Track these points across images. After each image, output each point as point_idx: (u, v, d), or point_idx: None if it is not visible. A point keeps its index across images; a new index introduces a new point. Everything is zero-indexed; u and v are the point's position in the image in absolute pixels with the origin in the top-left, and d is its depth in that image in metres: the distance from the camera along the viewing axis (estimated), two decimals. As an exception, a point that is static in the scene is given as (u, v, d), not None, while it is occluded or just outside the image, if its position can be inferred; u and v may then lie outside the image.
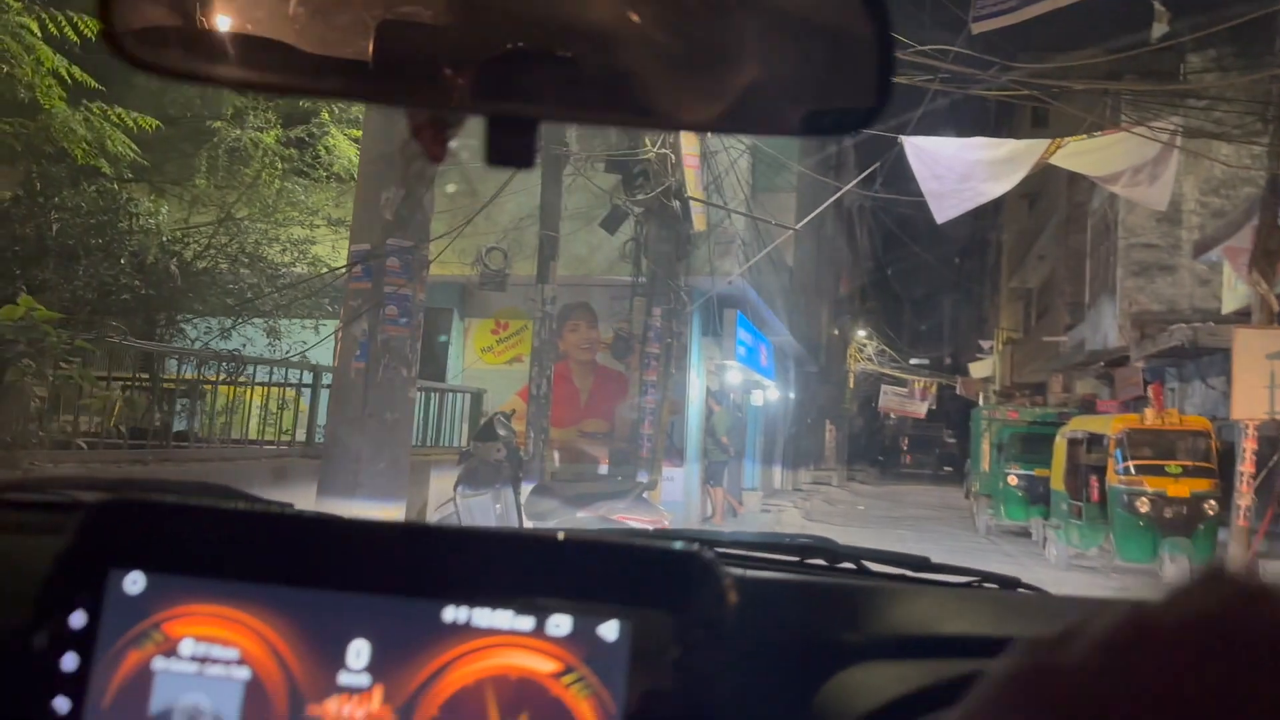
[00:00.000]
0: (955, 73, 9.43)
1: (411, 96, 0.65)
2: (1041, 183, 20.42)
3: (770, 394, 18.67)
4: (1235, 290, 13.14)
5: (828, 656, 0.88)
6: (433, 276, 5.98)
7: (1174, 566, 10.83)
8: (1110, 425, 11.78)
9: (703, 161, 9.56)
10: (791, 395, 22.62)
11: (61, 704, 0.78)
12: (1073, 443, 13.19)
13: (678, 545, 0.81)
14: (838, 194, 11.22)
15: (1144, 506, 10.96)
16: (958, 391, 38.86)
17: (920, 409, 35.33)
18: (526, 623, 0.77)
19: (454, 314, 12.90)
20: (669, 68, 0.64)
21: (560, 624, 0.76)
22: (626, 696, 0.74)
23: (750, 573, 1.02)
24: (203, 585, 0.80)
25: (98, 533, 0.83)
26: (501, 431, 7.25)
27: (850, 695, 0.85)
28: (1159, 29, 10.65)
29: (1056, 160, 10.52)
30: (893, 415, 41.90)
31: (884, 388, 35.29)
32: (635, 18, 0.62)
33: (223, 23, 0.63)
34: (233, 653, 0.78)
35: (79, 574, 0.81)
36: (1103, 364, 19.89)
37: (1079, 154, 10.61)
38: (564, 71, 0.61)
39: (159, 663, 0.78)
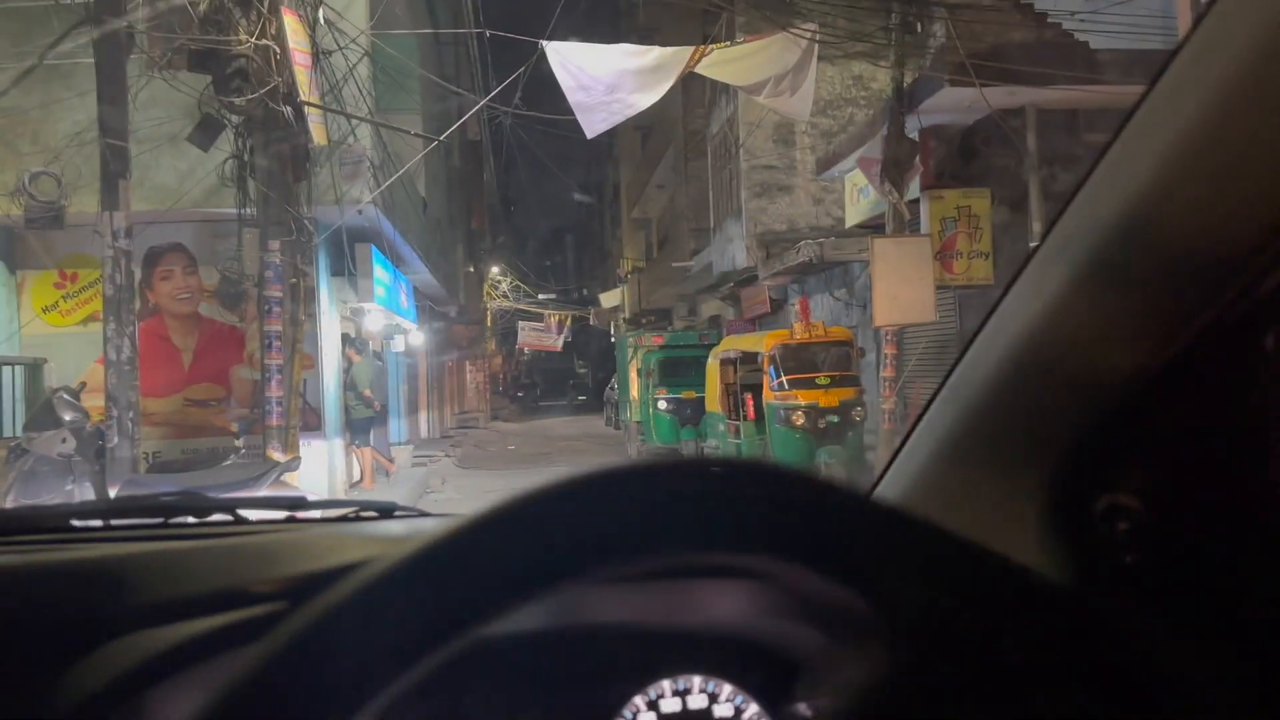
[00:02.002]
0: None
1: None
2: (655, 114, 20.56)
3: (413, 338, 17.17)
4: (858, 204, 13.73)
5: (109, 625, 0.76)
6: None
7: (830, 474, 11.13)
8: (763, 343, 11.81)
9: (315, 62, 7.85)
10: (432, 337, 21.25)
11: None
12: (725, 363, 13.21)
13: None
14: (479, 105, 9.96)
15: (799, 419, 11.09)
16: (590, 322, 39.67)
17: (557, 342, 35.42)
18: None
19: (-4, 266, 10.13)
20: None
21: None
22: None
23: (99, 550, 0.92)
24: None
25: None
26: (68, 415, 5.33)
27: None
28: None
29: (702, 69, 10.05)
30: (528, 351, 41.91)
31: (521, 324, 34.94)
32: None
33: None
34: None
35: None
36: (732, 284, 20.60)
37: (723, 62, 10.22)
38: None
39: None
